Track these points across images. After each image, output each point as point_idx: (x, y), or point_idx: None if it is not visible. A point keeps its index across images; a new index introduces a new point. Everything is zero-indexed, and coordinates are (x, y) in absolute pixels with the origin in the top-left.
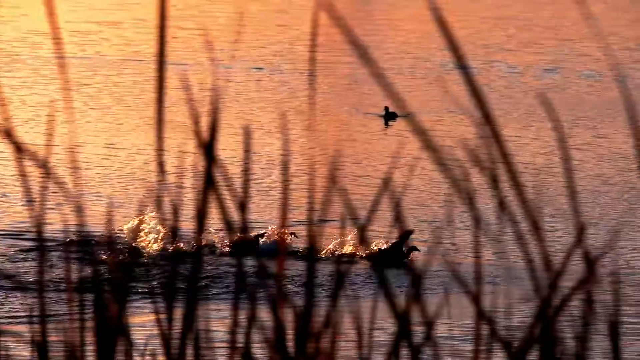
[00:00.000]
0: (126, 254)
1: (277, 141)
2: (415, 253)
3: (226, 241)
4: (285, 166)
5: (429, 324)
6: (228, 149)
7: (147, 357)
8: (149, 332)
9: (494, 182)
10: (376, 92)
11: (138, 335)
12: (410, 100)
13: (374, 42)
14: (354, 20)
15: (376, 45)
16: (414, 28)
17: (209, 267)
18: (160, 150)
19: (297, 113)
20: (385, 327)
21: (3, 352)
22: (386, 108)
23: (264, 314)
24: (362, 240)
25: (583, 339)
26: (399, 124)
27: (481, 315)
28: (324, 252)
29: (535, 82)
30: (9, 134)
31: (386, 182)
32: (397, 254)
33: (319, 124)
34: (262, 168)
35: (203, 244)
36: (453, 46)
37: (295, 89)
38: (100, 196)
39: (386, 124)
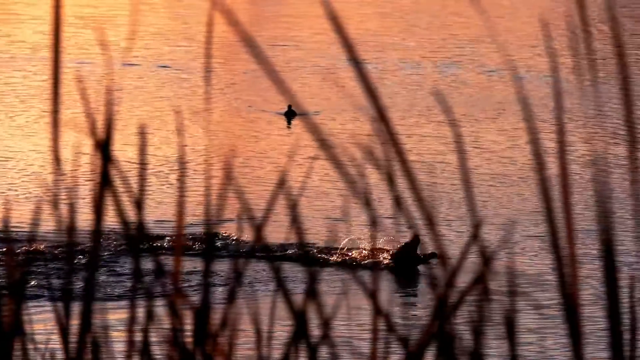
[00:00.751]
0: (24, 254)
1: (176, 140)
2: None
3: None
4: (181, 165)
5: (326, 322)
6: (126, 147)
7: (47, 357)
8: (49, 331)
9: (390, 179)
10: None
11: (37, 335)
12: (310, 98)
13: (271, 40)
14: (251, 18)
15: (274, 43)
16: (311, 24)
17: (106, 265)
18: (56, 149)
19: (195, 111)
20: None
21: None
22: (289, 106)
23: (162, 312)
24: (259, 239)
25: (479, 335)
26: (302, 122)
27: (378, 312)
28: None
29: (435, 78)
30: None
31: (282, 181)
32: (412, 259)
33: (220, 122)
34: (161, 166)
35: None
36: (346, 43)
37: (200, 87)
38: None
39: (289, 123)
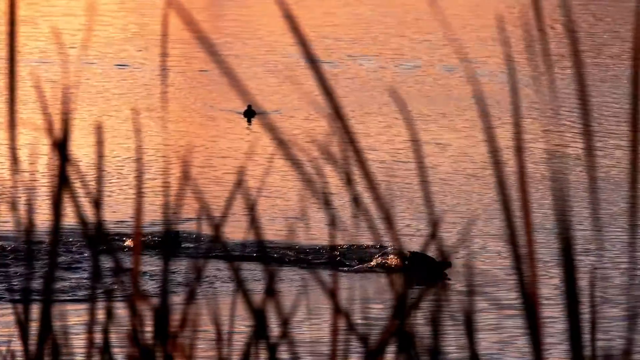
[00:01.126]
0: None
1: (134, 139)
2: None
3: None
4: (139, 164)
5: (286, 321)
6: (83, 146)
7: (8, 359)
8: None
9: (348, 178)
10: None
11: None
12: (270, 97)
13: (230, 39)
14: (207, 16)
15: (232, 42)
16: (269, 23)
17: (65, 265)
18: (13, 149)
19: (152, 110)
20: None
21: None
22: (249, 106)
23: (122, 312)
24: (218, 238)
25: (437, 333)
26: (261, 122)
27: (338, 311)
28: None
29: (393, 76)
30: None
31: (240, 180)
32: (427, 263)
33: (179, 121)
34: (119, 165)
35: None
36: (302, 42)
37: (158, 86)
38: None
39: (249, 122)
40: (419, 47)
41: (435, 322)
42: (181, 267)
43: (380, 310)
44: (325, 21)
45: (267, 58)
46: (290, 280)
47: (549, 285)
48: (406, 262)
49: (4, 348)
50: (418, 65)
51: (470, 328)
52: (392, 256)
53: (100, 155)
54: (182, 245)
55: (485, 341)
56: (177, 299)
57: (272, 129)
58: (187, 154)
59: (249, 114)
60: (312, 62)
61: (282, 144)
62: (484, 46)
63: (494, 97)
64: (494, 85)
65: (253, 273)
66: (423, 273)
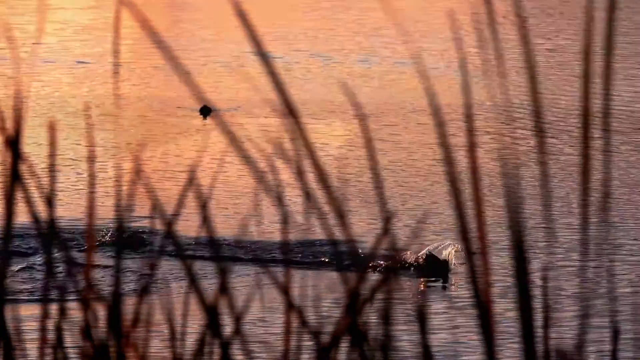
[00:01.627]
0: None
1: (87, 136)
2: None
3: None
4: (92, 161)
5: (238, 318)
6: (36, 144)
7: None
8: None
9: (300, 174)
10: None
11: None
12: (228, 94)
13: (182, 36)
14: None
15: (185, 39)
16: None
17: (18, 262)
18: None
19: (107, 107)
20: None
21: None
22: (204, 105)
23: (75, 308)
24: (170, 235)
25: (389, 328)
26: (216, 119)
27: (290, 307)
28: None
29: (348, 71)
30: None
31: (192, 177)
32: (442, 262)
33: (133, 118)
34: (72, 162)
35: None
36: (254, 38)
37: (113, 83)
38: None
39: (204, 119)
40: (373, 42)
41: (387, 318)
42: (134, 264)
43: (333, 306)
44: (280, 16)
45: (227, 55)
46: (243, 276)
47: (503, 282)
48: (420, 263)
49: None
50: (372, 60)
51: (423, 324)
52: (409, 256)
53: (53, 153)
54: (137, 243)
55: (439, 337)
56: (130, 296)
57: (225, 126)
58: (140, 151)
59: (205, 111)
60: (264, 57)
61: (235, 141)
62: (438, 41)
63: (446, 93)
64: (447, 80)
65: (206, 270)
66: (435, 274)
